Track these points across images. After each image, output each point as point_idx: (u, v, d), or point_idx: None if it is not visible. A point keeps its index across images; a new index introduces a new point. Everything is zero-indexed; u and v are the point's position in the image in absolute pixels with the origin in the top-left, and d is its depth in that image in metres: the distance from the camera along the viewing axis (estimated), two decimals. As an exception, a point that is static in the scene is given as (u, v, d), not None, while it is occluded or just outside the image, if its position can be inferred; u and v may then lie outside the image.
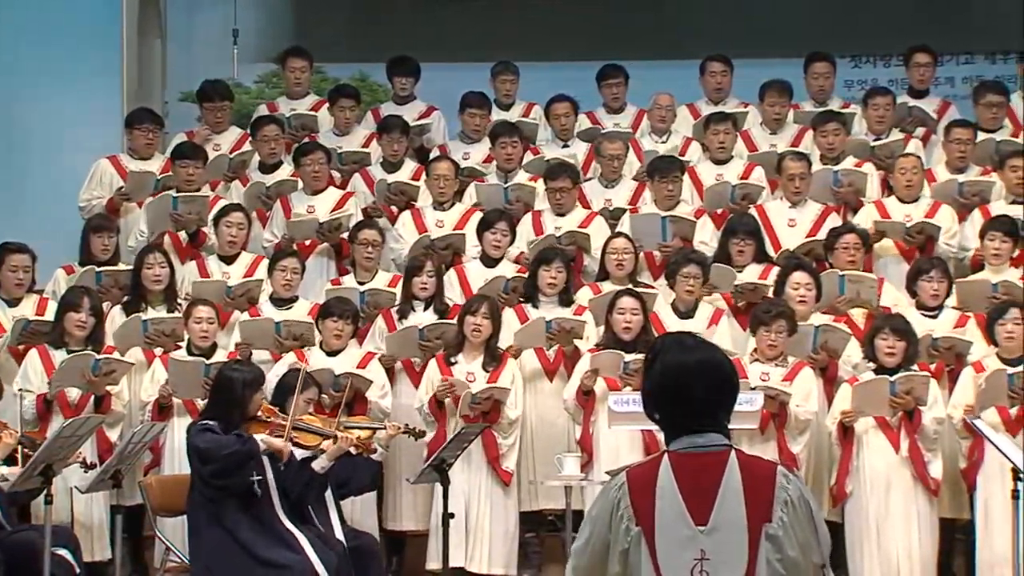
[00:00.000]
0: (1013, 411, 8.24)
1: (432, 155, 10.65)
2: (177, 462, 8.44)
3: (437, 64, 11.63)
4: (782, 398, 8.19)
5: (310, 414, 7.84)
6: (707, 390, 4.08)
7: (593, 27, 12.94)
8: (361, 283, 9.38)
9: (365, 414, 8.46)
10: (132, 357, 8.74)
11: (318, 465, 7.61)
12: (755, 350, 8.47)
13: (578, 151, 10.80)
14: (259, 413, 7.55)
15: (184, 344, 8.79)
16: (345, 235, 9.76)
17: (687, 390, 4.07)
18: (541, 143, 11.03)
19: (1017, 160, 9.82)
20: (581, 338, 8.86)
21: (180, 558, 7.85)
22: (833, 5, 12.88)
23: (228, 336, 9.01)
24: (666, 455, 4.09)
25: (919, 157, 10.10)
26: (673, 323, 8.86)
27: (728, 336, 8.80)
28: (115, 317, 9.05)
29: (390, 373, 8.87)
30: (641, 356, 8.23)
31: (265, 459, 7.46)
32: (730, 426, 4.13)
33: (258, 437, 7.38)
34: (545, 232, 9.84)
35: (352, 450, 7.73)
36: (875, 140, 10.59)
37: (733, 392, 4.14)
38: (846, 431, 8.23)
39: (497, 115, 11.18)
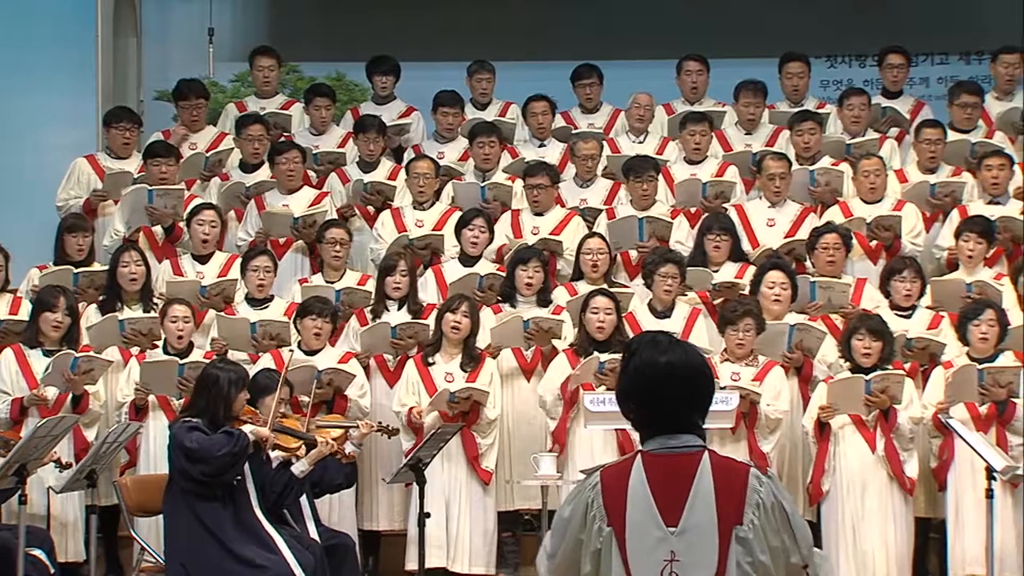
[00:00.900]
0: (983, 409, 8.28)
1: (410, 155, 10.65)
2: (153, 462, 8.42)
3: (412, 63, 11.62)
4: (752, 398, 8.21)
5: (284, 414, 7.82)
6: (678, 390, 4.09)
7: (570, 27, 12.95)
8: (330, 282, 9.37)
9: (344, 412, 8.46)
10: (109, 357, 8.72)
11: (298, 469, 7.60)
12: (725, 350, 8.50)
13: (554, 151, 10.81)
14: (242, 413, 7.53)
15: (160, 344, 8.77)
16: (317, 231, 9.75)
17: (658, 390, 4.08)
18: (518, 142, 11.03)
19: (993, 160, 9.86)
20: (559, 337, 8.86)
21: (155, 558, 7.82)
22: (808, 5, 12.91)
23: (203, 336, 8.99)
24: (639, 455, 4.10)
25: (882, 159, 10.13)
26: (650, 323, 8.87)
27: (705, 335, 8.83)
28: (90, 316, 9.03)
29: (365, 371, 8.87)
30: (616, 356, 8.32)
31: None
32: (705, 426, 4.14)
33: (245, 428, 7.36)
34: (523, 230, 9.85)
35: (329, 452, 7.73)
36: (851, 140, 10.62)
37: (706, 392, 4.14)
38: (822, 430, 8.25)
39: (473, 114, 11.19)
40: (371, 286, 9.34)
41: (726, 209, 9.89)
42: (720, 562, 4.00)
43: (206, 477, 7.26)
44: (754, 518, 4.02)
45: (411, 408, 8.49)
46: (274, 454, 7.63)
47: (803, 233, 9.64)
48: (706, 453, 4.08)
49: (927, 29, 12.74)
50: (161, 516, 7.60)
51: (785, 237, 9.72)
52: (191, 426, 7.36)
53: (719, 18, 12.84)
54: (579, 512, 4.11)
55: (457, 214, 9.84)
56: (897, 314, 8.85)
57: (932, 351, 8.67)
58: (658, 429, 4.10)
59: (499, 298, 9.24)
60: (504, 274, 9.32)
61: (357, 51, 12.22)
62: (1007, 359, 8.40)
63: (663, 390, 4.08)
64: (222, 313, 9.07)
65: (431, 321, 8.78)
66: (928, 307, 9.04)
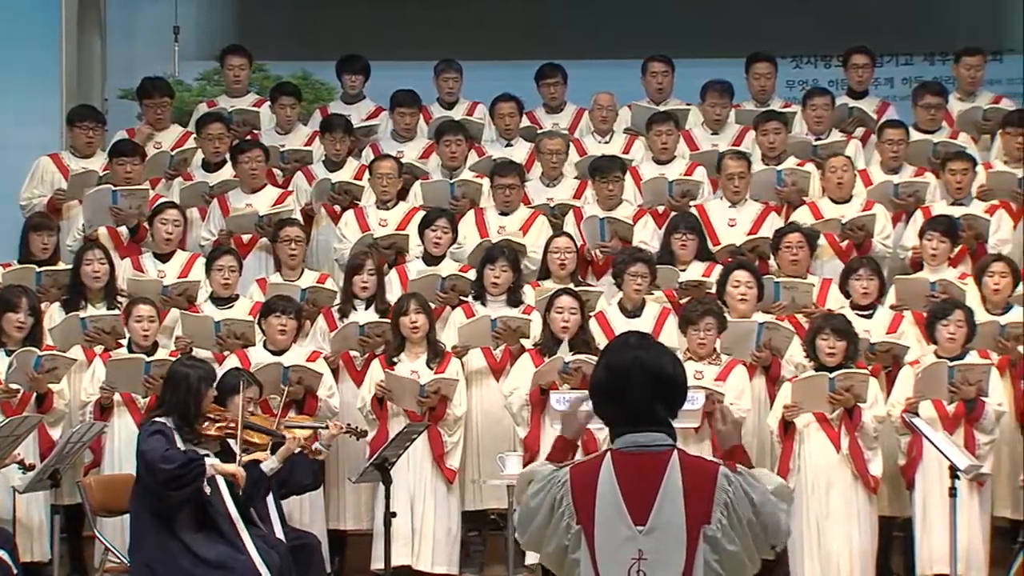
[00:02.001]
0: (951, 408, 8.32)
1: (368, 154, 10.63)
2: (118, 462, 8.39)
3: (379, 63, 11.60)
4: (715, 397, 8.23)
5: (253, 414, 7.80)
6: (645, 389, 4.10)
7: (536, 27, 12.95)
8: (289, 281, 9.34)
9: (314, 412, 8.44)
10: (72, 356, 8.68)
11: (267, 466, 7.57)
12: (688, 349, 8.52)
13: (521, 151, 10.81)
14: (209, 411, 7.50)
15: (125, 343, 8.73)
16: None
17: (627, 386, 4.10)
18: (485, 142, 11.03)
19: (956, 164, 9.90)
20: (527, 337, 8.86)
21: (119, 558, 7.80)
22: (774, 6, 12.94)
23: (165, 336, 8.95)
24: (609, 453, 4.10)
25: (849, 157, 10.17)
26: (620, 322, 8.88)
27: (675, 334, 8.83)
28: (54, 315, 8.98)
29: (335, 374, 8.85)
30: (581, 356, 8.34)
31: (214, 457, 7.43)
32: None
33: (209, 462, 7.31)
34: (489, 229, 9.85)
35: (297, 449, 7.71)
36: (817, 140, 10.65)
37: (676, 391, 4.15)
38: (787, 428, 8.27)
39: (440, 113, 11.18)
40: (332, 284, 9.33)
41: (691, 208, 9.90)
42: (688, 561, 4.01)
43: (158, 487, 7.22)
44: (722, 517, 4.04)
45: (372, 397, 8.47)
46: (244, 457, 7.60)
47: (764, 232, 9.66)
48: (675, 452, 4.10)
49: (892, 30, 12.79)
50: (125, 516, 7.56)
51: (747, 236, 9.73)
52: (155, 429, 7.32)
53: (684, 18, 12.86)
54: (546, 506, 4.12)
55: (421, 214, 9.83)
56: (858, 314, 8.87)
57: (895, 354, 8.70)
58: (628, 427, 4.11)
59: (463, 298, 9.23)
60: (466, 274, 9.32)
61: (324, 50, 12.19)
62: (974, 358, 8.44)
63: (632, 387, 4.09)
64: (187, 310, 9.03)
65: (398, 321, 8.78)
66: (892, 306, 9.08)
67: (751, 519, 4.07)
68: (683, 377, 4.19)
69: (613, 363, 4.15)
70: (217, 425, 7.46)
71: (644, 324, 8.85)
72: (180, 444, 7.33)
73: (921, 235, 9.39)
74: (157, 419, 7.41)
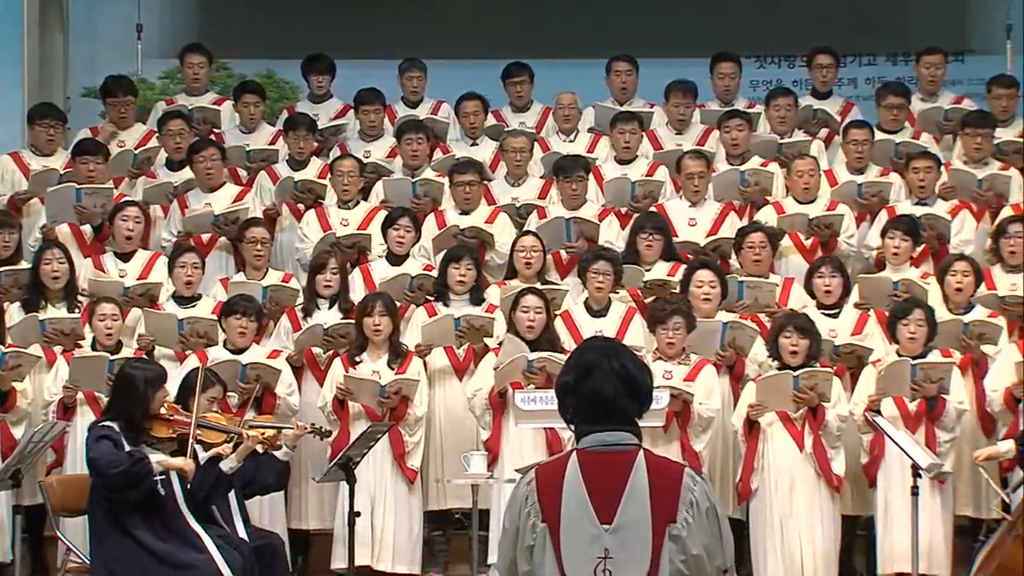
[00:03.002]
0: (912, 405, 8.35)
1: (334, 154, 10.61)
2: (80, 461, 8.30)
3: (343, 61, 11.58)
4: (684, 396, 8.24)
5: (214, 412, 7.76)
6: (611, 391, 4.11)
7: (501, 26, 12.95)
8: (253, 281, 9.29)
9: (273, 410, 8.42)
10: (37, 353, 8.63)
11: (226, 465, 7.53)
12: (656, 348, 8.52)
13: (486, 150, 10.81)
14: (162, 410, 7.46)
15: (87, 342, 8.69)
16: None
17: (592, 389, 4.12)
18: (450, 141, 11.02)
19: (920, 163, 9.94)
20: (491, 336, 8.86)
21: (81, 558, 7.75)
22: (738, 6, 12.98)
23: (127, 336, 8.89)
24: (575, 453, 4.12)
25: (815, 158, 10.21)
26: (586, 322, 8.90)
27: (641, 334, 8.84)
28: (13, 315, 8.92)
29: (298, 372, 8.82)
30: (545, 354, 8.34)
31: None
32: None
33: (154, 458, 7.24)
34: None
35: (259, 448, 7.68)
36: (781, 140, 10.68)
37: (642, 394, 4.17)
38: (751, 428, 8.29)
39: (404, 112, 11.16)
40: (296, 283, 9.30)
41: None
42: (653, 560, 4.03)
43: (105, 490, 7.19)
44: (688, 516, 4.05)
45: (334, 398, 8.46)
46: (202, 453, 7.56)
47: (724, 232, 9.68)
48: (641, 452, 4.11)
49: (856, 31, 12.85)
50: (87, 516, 7.52)
51: (707, 236, 9.76)
52: (102, 434, 7.27)
53: (649, 18, 12.90)
54: (516, 509, 4.14)
55: (383, 213, 9.82)
56: (824, 313, 8.90)
57: (859, 355, 8.73)
58: (594, 427, 4.12)
59: (429, 297, 9.22)
60: (432, 273, 9.31)
61: (288, 49, 12.17)
62: (936, 357, 8.48)
63: (599, 388, 4.11)
64: (149, 308, 8.99)
65: (361, 320, 8.77)
66: (856, 305, 9.11)
67: (712, 522, 4.09)
68: (649, 380, 4.21)
69: (580, 364, 4.17)
70: (169, 426, 7.41)
71: (610, 323, 8.86)
72: (127, 448, 7.27)
73: (883, 235, 9.43)
74: (104, 423, 7.37)
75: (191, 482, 7.36)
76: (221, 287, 9.31)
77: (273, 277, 9.44)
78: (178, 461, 7.30)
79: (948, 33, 12.73)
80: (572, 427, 4.18)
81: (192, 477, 7.33)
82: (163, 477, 7.31)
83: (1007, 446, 7.91)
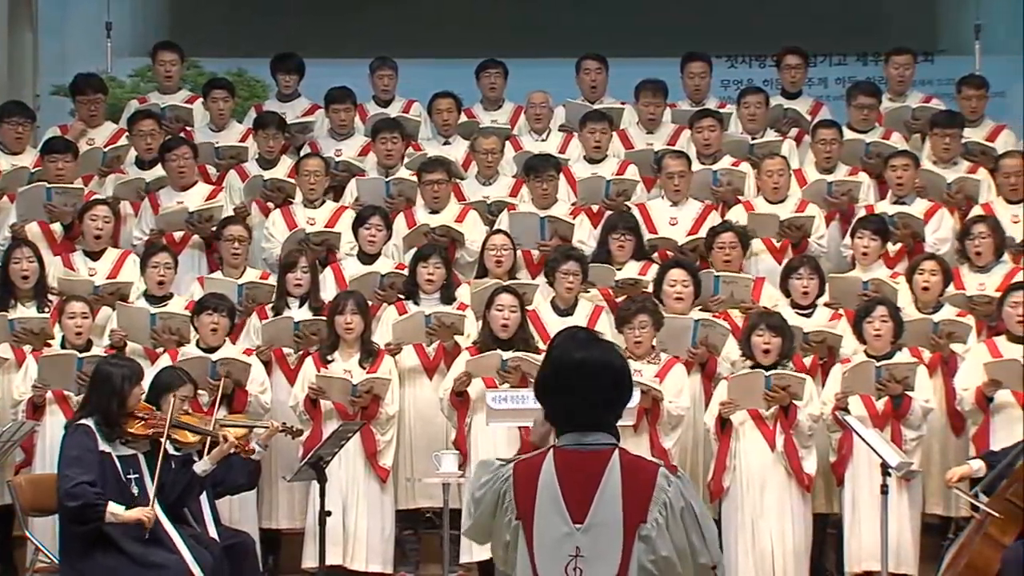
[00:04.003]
0: (879, 404, 8.39)
1: (302, 152, 10.59)
2: (49, 461, 8.29)
3: (315, 60, 11.56)
4: (654, 394, 8.25)
5: (186, 412, 7.74)
6: (591, 386, 4.12)
7: (473, 25, 12.96)
8: (230, 279, 9.28)
9: (244, 407, 8.40)
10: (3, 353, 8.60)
11: (200, 468, 7.51)
12: (625, 348, 8.54)
13: (459, 149, 10.80)
14: (137, 410, 7.43)
15: (56, 341, 8.65)
16: (216, 228, 9.68)
17: (571, 384, 4.12)
18: (422, 140, 11.01)
19: (898, 161, 9.98)
20: (462, 333, 8.86)
21: (50, 558, 7.72)
22: (709, 5, 13.01)
23: (97, 335, 8.86)
24: (552, 451, 4.14)
25: (785, 158, 10.24)
26: (553, 320, 8.90)
27: (609, 333, 8.84)
28: (-19, 314, 8.89)
29: (267, 367, 8.81)
30: (520, 354, 8.34)
31: (141, 457, 7.36)
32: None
33: (110, 510, 7.08)
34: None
35: (231, 451, 7.65)
36: (752, 139, 10.71)
37: (620, 392, 4.18)
38: (724, 426, 8.31)
39: (376, 111, 11.15)
40: (273, 282, 9.28)
41: (628, 208, 9.94)
42: (623, 559, 4.04)
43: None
44: (659, 517, 4.06)
45: (305, 397, 8.46)
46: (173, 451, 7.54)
47: (704, 231, 9.70)
48: (616, 451, 4.12)
49: (826, 31, 12.90)
50: (56, 515, 7.49)
51: (688, 235, 9.78)
52: (78, 431, 7.23)
53: (620, 17, 12.91)
54: (490, 500, 4.16)
55: (349, 212, 9.81)
56: (797, 312, 8.94)
57: (830, 344, 8.77)
58: (572, 425, 4.14)
59: (400, 295, 9.21)
60: (403, 271, 9.30)
61: (259, 47, 12.14)
62: (904, 355, 8.52)
63: (576, 385, 4.12)
64: (122, 303, 8.97)
65: (333, 318, 8.75)
66: (826, 304, 9.14)
67: (690, 521, 4.10)
68: (629, 376, 4.22)
69: (560, 361, 4.16)
70: (145, 424, 7.38)
71: (577, 322, 8.85)
72: (103, 445, 7.24)
73: (852, 234, 9.47)
74: (80, 422, 7.34)
75: (163, 480, 7.34)
76: (199, 285, 9.28)
77: (252, 275, 9.42)
78: (134, 514, 7.13)
79: (918, 33, 12.80)
80: (554, 425, 4.19)
81: (150, 527, 7.21)
82: (136, 476, 7.28)
83: (978, 464, 7.94)
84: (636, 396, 7.96)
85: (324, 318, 8.79)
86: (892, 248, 9.64)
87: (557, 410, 4.17)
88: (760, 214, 9.78)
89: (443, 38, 12.75)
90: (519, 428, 8.27)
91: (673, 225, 9.88)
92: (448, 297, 9.13)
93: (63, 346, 8.61)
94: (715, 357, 8.78)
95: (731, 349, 8.75)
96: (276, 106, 11.22)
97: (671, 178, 9.96)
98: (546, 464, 4.10)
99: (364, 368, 8.60)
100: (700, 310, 9.01)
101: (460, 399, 8.51)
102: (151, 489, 7.28)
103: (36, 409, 8.45)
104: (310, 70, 11.40)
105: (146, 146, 10.39)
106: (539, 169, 9.91)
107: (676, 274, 8.93)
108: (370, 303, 8.90)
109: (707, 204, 10.04)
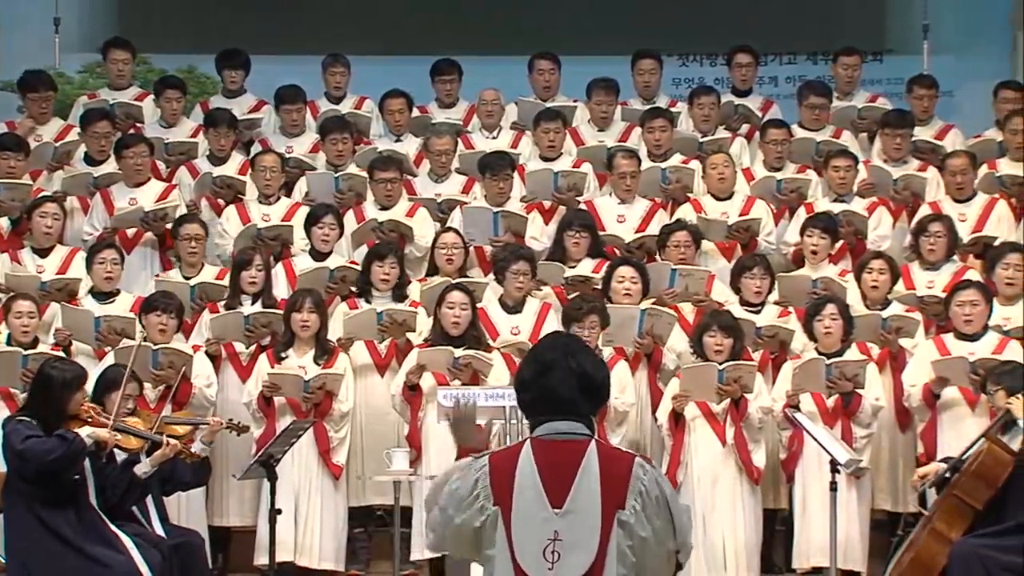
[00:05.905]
0: (830, 402, 8.44)
1: (255, 149, 10.55)
2: (-5, 458, 8.24)
3: (265, 57, 11.52)
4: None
5: (132, 411, 7.69)
6: (570, 385, 4.25)
7: (426, 22, 12.95)
8: (187, 278, 9.27)
9: (188, 399, 8.34)
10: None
11: (140, 471, 7.45)
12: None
13: (411, 146, 10.79)
14: (80, 412, 7.37)
15: (2, 338, 8.59)
16: (170, 226, 9.63)
17: (552, 383, 4.25)
18: (373, 137, 11.00)
19: (840, 161, 10.04)
20: (413, 331, 8.86)
21: (-5, 556, 7.67)
22: (659, 4, 13.04)
23: (43, 332, 8.80)
24: (528, 441, 4.26)
25: (729, 155, 10.29)
26: (501, 318, 8.92)
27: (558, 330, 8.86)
28: (-69, 312, 8.82)
29: (215, 361, 8.77)
30: (471, 352, 8.34)
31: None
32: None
33: (82, 432, 7.20)
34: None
35: (172, 455, 7.59)
36: (703, 138, 10.75)
37: (598, 391, 4.31)
38: (677, 421, 8.34)
39: (327, 108, 11.13)
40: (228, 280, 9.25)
41: (579, 203, 9.96)
42: (601, 543, 4.16)
43: (39, 478, 7.11)
44: (636, 503, 4.18)
45: (259, 395, 8.43)
46: (120, 454, 7.49)
47: (653, 229, 9.74)
48: (593, 442, 4.25)
49: (777, 30, 12.95)
50: (1, 513, 7.43)
51: (635, 232, 9.81)
52: (23, 426, 7.18)
53: (572, 16, 12.94)
54: (465, 493, 4.23)
55: (304, 208, 9.78)
56: (747, 310, 8.98)
57: (782, 338, 8.83)
58: (549, 417, 4.26)
59: (352, 290, 9.19)
60: (356, 267, 9.29)
61: (209, 43, 12.07)
62: (854, 352, 8.57)
63: (558, 381, 4.24)
64: (67, 303, 8.90)
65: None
66: (775, 302, 9.18)
67: (662, 509, 4.21)
68: (607, 379, 4.35)
69: (540, 361, 4.30)
70: (88, 427, 7.32)
71: (525, 320, 8.91)
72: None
73: (802, 232, 9.51)
74: (20, 418, 7.29)
75: (104, 479, 7.30)
76: (153, 284, 9.22)
77: (208, 273, 9.37)
78: (103, 432, 7.20)
79: (868, 33, 12.87)
80: (528, 419, 4.32)
81: (110, 449, 7.22)
82: (76, 476, 7.23)
83: (944, 466, 7.88)
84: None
85: (277, 311, 8.76)
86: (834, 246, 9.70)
87: (536, 404, 4.28)
88: (709, 219, 9.80)
89: (396, 35, 12.74)
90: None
91: (621, 223, 9.90)
92: (400, 295, 9.11)
93: (8, 343, 8.54)
94: (661, 348, 8.79)
95: (676, 339, 8.78)
96: (222, 102, 11.17)
97: (623, 178, 9.98)
98: (524, 452, 4.22)
99: (319, 365, 8.58)
100: (653, 303, 9.02)
101: (412, 394, 8.50)
102: (92, 493, 7.24)
103: (-19, 406, 8.39)
104: (262, 66, 11.36)
105: (100, 147, 10.33)
106: (495, 168, 9.91)
107: (624, 271, 8.95)
108: (324, 297, 8.88)
109: (655, 202, 10.06)
